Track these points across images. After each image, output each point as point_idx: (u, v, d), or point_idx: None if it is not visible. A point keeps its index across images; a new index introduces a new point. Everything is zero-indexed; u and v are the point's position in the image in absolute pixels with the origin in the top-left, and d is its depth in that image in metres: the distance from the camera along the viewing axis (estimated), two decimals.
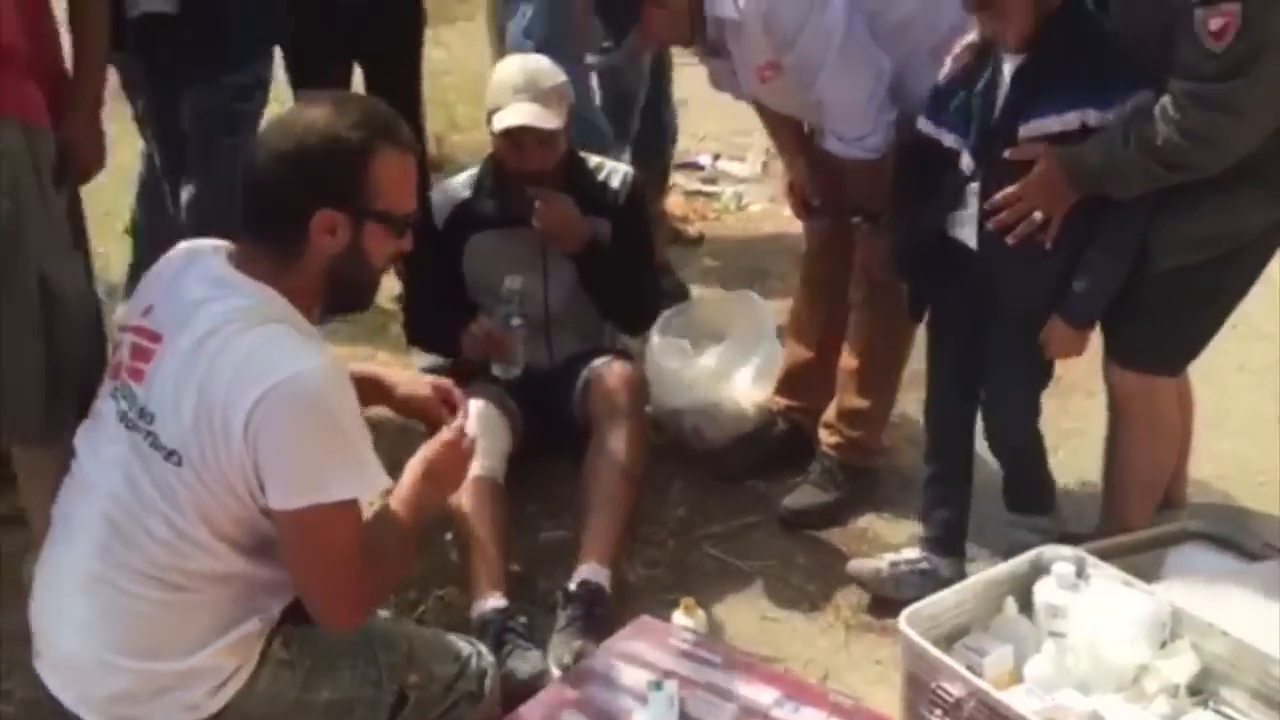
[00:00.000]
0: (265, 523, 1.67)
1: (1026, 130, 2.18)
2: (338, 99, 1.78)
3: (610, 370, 2.67)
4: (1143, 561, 2.27)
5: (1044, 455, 2.48)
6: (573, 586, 2.39)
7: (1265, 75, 1.97)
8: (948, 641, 2.06)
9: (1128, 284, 2.22)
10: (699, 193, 4.95)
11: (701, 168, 5.16)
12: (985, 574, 2.15)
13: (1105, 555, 2.17)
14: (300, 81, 3.68)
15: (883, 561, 2.52)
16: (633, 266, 2.73)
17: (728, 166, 5.23)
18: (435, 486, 1.85)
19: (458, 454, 1.87)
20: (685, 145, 5.07)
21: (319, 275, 1.72)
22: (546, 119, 2.59)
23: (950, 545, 2.51)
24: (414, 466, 1.83)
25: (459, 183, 2.79)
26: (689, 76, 5.28)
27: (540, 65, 2.70)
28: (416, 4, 3.67)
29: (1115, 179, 2.13)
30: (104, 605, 1.69)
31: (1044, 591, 2.08)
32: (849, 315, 2.77)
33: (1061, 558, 2.11)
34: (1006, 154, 2.19)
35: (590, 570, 2.41)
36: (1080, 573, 2.09)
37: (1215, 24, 1.94)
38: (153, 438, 1.66)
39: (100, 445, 1.74)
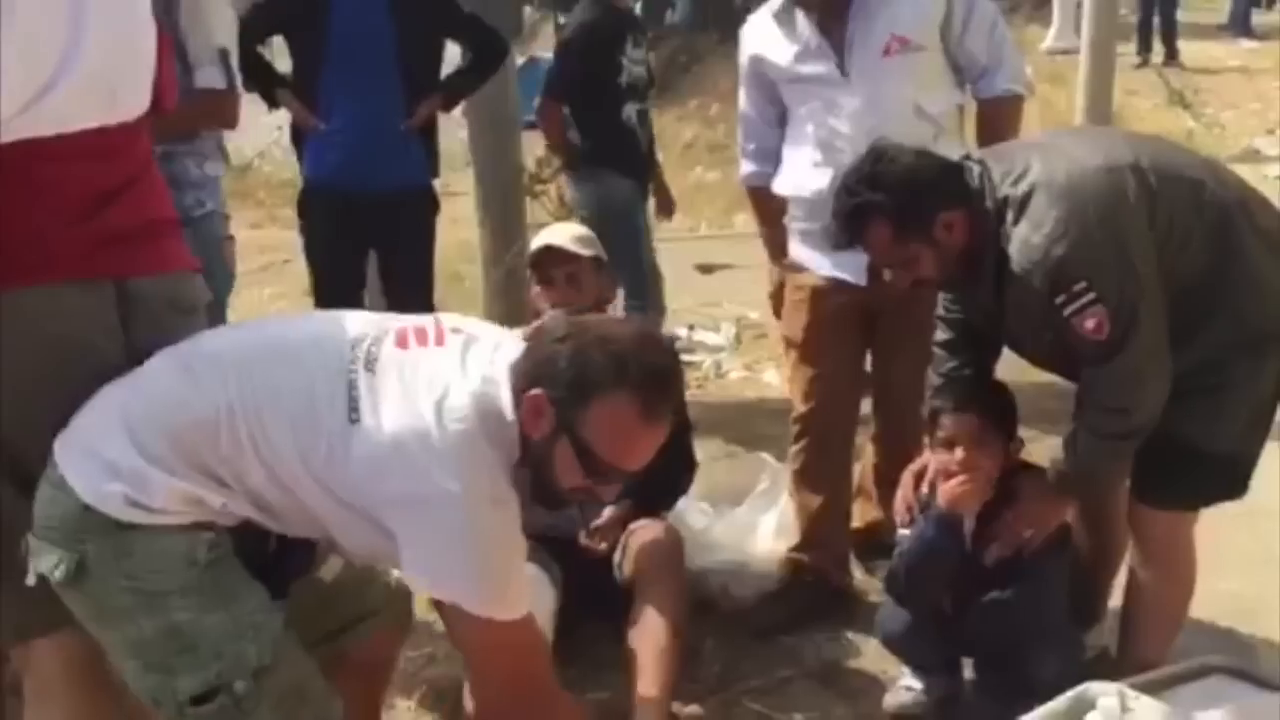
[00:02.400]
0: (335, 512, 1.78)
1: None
2: (644, 333, 1.87)
3: (650, 530, 2.80)
4: (1170, 696, 2.41)
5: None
6: None
7: (1144, 334, 2.28)
8: None
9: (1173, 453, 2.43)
10: None
11: (678, 339, 5.38)
12: (1035, 713, 2.27)
13: (1139, 689, 2.30)
14: (322, 269, 3.91)
15: (914, 689, 2.67)
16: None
17: (703, 337, 5.47)
18: None
19: None
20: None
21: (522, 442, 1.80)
22: (574, 246, 2.88)
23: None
24: None
25: None
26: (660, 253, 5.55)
27: (573, 226, 3.22)
28: (430, 197, 3.93)
29: (1095, 468, 2.45)
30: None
31: None
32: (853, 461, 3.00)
33: (1106, 693, 2.24)
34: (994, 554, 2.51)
35: None
36: (1124, 707, 2.22)
37: (1090, 324, 2.25)
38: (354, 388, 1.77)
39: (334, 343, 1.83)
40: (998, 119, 2.94)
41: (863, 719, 2.70)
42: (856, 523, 3.21)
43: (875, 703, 2.74)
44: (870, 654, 2.91)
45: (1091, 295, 2.23)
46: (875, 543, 3.16)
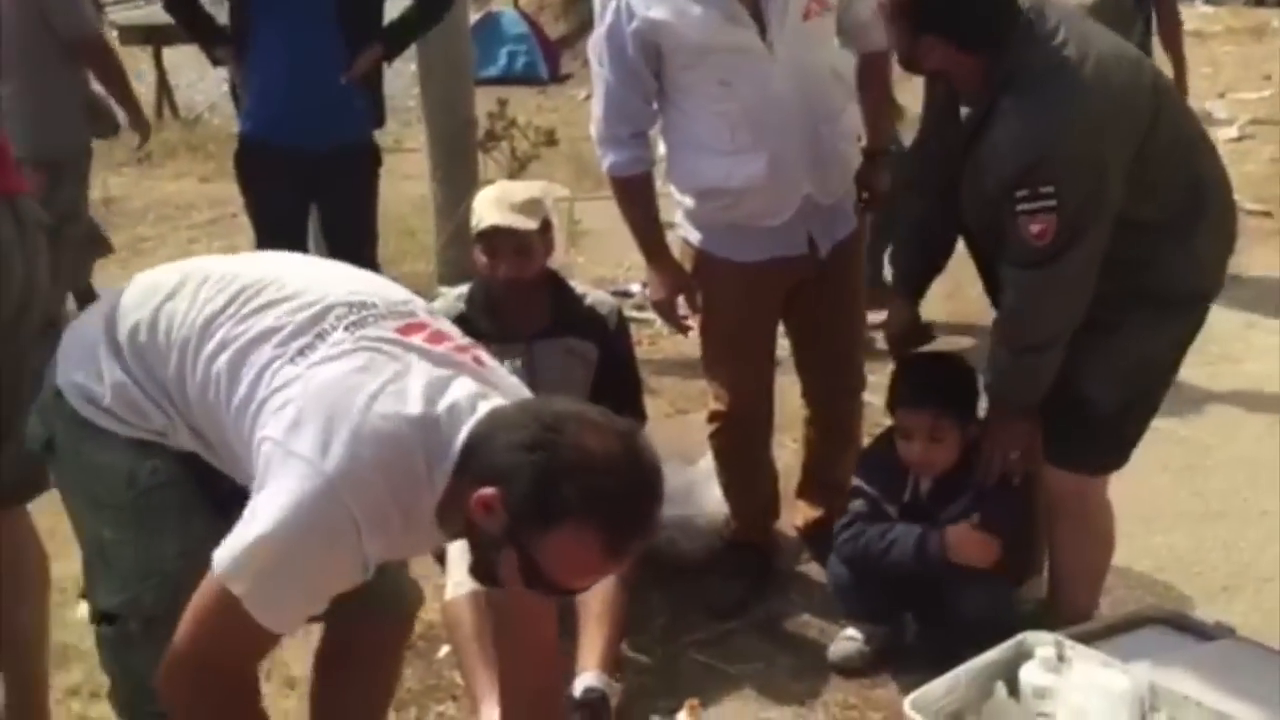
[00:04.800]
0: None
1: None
2: (626, 451, 1.60)
3: None
4: (1107, 646, 2.45)
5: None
6: (577, 694, 2.47)
7: (1078, 255, 2.27)
8: None
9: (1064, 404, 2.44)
10: (632, 320, 5.14)
11: (632, 294, 5.36)
12: (975, 661, 2.30)
13: (1076, 639, 2.35)
14: (263, 225, 3.85)
15: (856, 640, 2.70)
16: (622, 392, 2.87)
17: None
18: None
19: None
20: (613, 274, 5.31)
21: (460, 515, 1.63)
22: (519, 221, 2.78)
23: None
24: None
25: (454, 296, 2.95)
26: (605, 206, 5.54)
27: (514, 185, 3.01)
28: (371, 151, 3.87)
29: (1012, 386, 2.45)
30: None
31: (1030, 674, 2.25)
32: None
33: (1042, 642, 2.28)
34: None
35: (593, 677, 2.49)
36: (1061, 656, 2.27)
37: (1035, 229, 2.23)
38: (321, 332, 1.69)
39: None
40: (882, 70, 2.89)
41: (807, 670, 2.72)
42: (798, 522, 3.17)
43: (818, 654, 2.76)
44: (814, 607, 2.94)
45: (1051, 203, 2.20)
46: (822, 537, 3.05)
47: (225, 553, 1.60)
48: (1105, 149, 2.24)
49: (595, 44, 2.70)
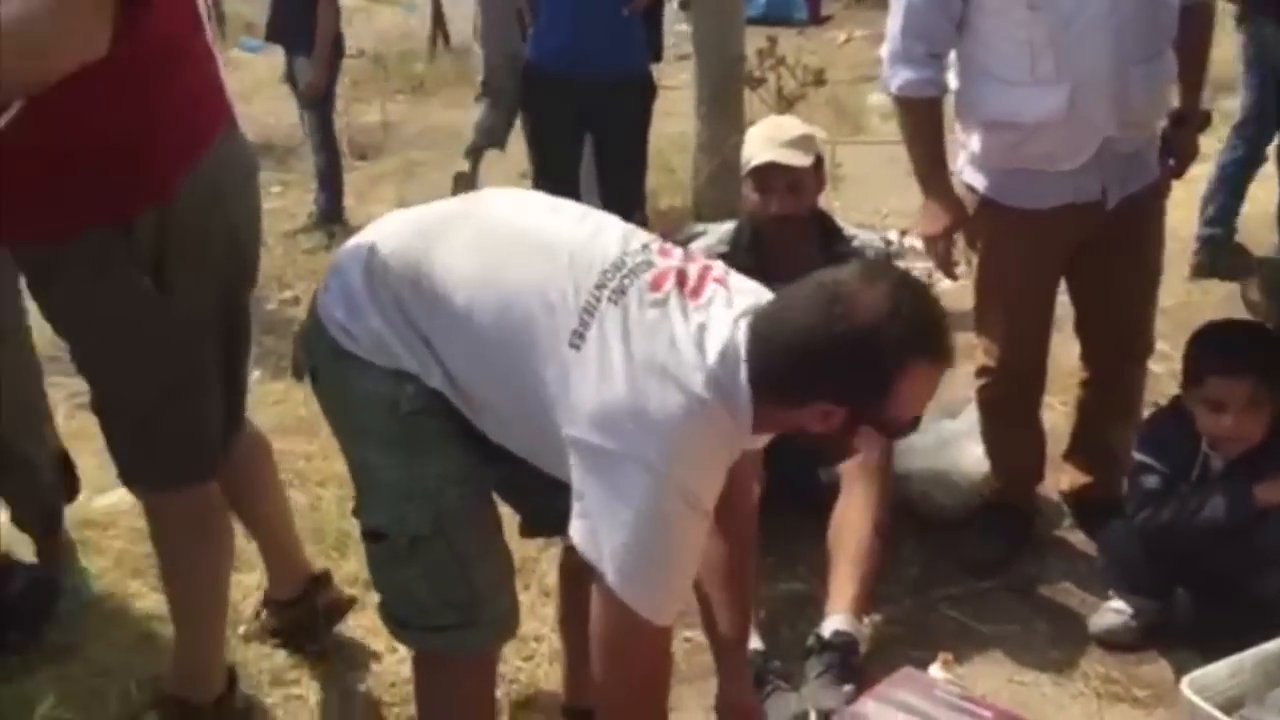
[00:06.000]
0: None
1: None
2: (896, 287, 1.62)
3: None
4: None
5: None
6: (827, 634, 2.46)
7: None
8: (1224, 712, 2.08)
9: None
10: None
11: (891, 243, 5.23)
12: (1265, 647, 2.17)
13: None
14: (540, 150, 3.96)
15: (1123, 613, 2.57)
16: None
17: (915, 243, 5.29)
18: None
19: None
20: (870, 221, 5.20)
21: (771, 424, 1.71)
22: (793, 158, 2.74)
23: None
24: None
25: (717, 236, 2.91)
26: (864, 152, 5.45)
27: (788, 121, 2.95)
28: (648, 84, 3.91)
29: None
30: None
31: None
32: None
33: None
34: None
35: (843, 620, 2.48)
36: None
37: None
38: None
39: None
40: (1207, 22, 2.69)
41: (1065, 638, 2.62)
42: (1064, 486, 3.04)
43: (1078, 623, 2.66)
44: (1075, 575, 2.82)
45: None
46: (1087, 504, 2.97)
47: (609, 572, 1.66)
48: None
49: None
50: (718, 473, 1.71)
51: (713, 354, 1.65)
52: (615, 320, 1.67)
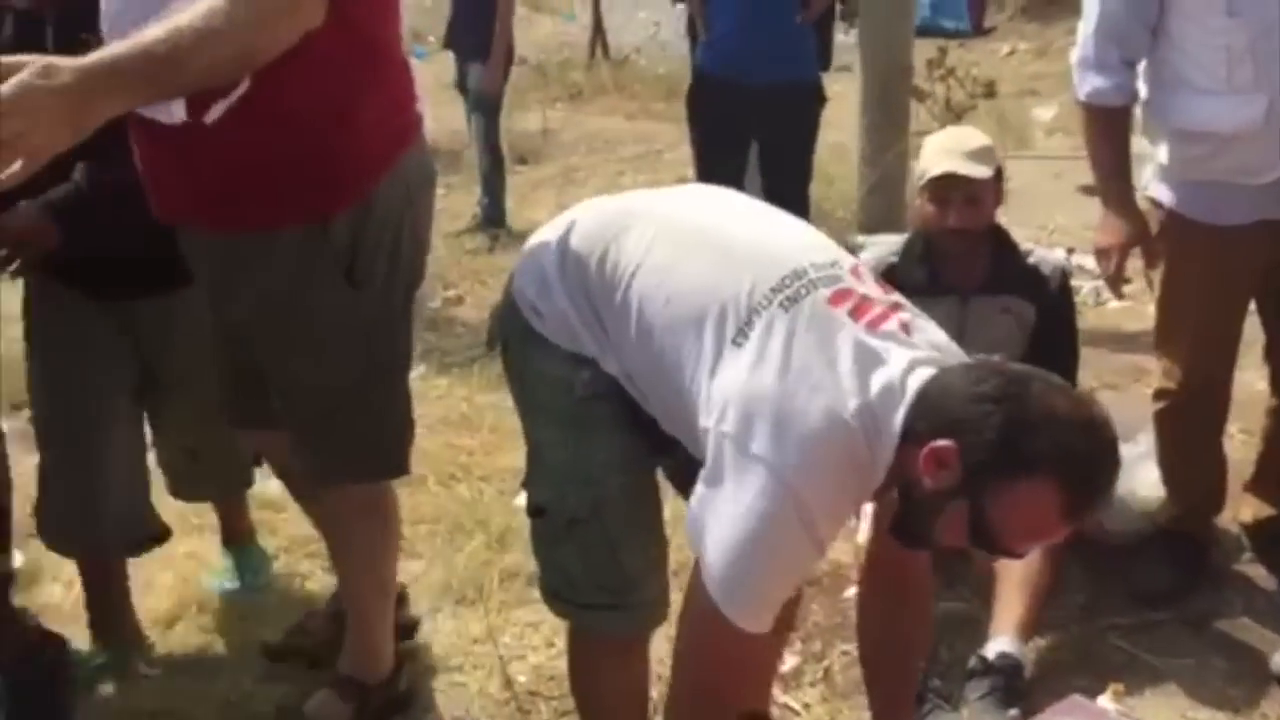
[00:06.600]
0: None
1: None
2: (1083, 406, 1.58)
3: None
4: None
5: None
6: (991, 656, 2.40)
7: None
8: None
9: None
10: None
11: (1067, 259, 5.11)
12: None
13: None
14: (705, 156, 3.98)
15: None
16: (1058, 359, 2.71)
17: (1082, 261, 5.15)
18: None
19: None
20: (1035, 236, 5.07)
21: (897, 474, 1.62)
22: (974, 169, 2.68)
23: None
24: None
25: (887, 248, 2.87)
26: (1030, 167, 5.31)
27: (967, 132, 2.88)
28: (817, 92, 3.89)
29: None
30: None
31: None
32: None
33: None
34: None
35: (1008, 642, 2.42)
36: None
37: None
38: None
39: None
40: None
41: (1244, 676, 2.50)
42: (1245, 518, 2.90)
43: (1258, 660, 2.54)
44: (1254, 611, 2.70)
45: None
46: (1270, 537, 2.84)
47: (705, 563, 1.64)
48: None
49: None
50: (841, 502, 1.65)
51: (875, 387, 1.61)
52: (782, 325, 1.65)
